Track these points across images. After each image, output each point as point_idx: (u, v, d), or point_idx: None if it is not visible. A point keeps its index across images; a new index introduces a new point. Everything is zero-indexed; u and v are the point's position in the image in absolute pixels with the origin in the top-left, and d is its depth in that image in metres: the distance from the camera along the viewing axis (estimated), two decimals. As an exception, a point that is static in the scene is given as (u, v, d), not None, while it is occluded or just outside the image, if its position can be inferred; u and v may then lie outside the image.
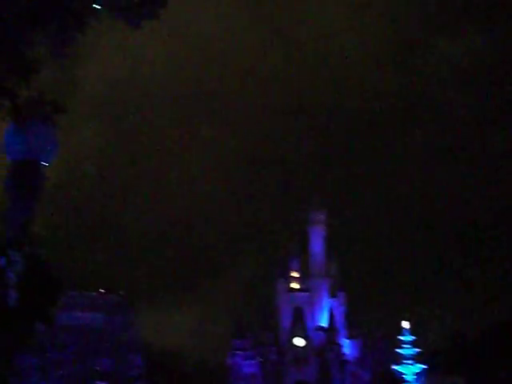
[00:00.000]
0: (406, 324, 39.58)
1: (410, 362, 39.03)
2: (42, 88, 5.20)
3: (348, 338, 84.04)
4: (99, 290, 67.84)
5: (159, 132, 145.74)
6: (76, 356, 59.83)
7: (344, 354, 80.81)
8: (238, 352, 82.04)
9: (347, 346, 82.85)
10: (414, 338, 39.64)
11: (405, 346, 39.50)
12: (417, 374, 39.30)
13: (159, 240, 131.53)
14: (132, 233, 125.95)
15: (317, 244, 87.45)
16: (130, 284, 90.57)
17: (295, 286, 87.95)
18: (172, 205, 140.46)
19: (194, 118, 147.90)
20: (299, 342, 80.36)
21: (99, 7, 4.90)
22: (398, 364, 41.21)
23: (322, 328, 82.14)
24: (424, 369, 39.53)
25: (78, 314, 65.43)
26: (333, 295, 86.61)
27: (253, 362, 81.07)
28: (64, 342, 60.63)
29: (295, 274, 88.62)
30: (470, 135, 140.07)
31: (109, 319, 64.93)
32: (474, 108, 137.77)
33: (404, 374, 39.71)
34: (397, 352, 41.72)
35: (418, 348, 40.64)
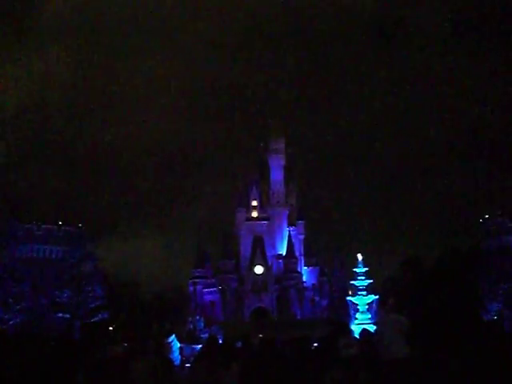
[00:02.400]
0: (359, 256, 41.87)
1: (363, 293, 41.33)
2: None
3: (307, 266, 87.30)
4: (57, 222, 68.20)
5: (128, 57, 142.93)
6: (36, 289, 60.76)
7: (303, 282, 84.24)
8: (198, 280, 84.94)
9: (306, 274, 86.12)
10: (366, 269, 41.89)
11: (358, 277, 41.76)
12: (369, 304, 41.74)
13: (120, 172, 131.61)
14: (94, 163, 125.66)
15: (276, 172, 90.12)
16: (89, 215, 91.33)
17: (255, 214, 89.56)
18: (135, 137, 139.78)
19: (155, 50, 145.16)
20: (259, 269, 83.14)
21: None
22: (352, 295, 43.68)
23: (281, 256, 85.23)
24: (376, 299, 42.05)
25: (37, 246, 66.14)
26: (292, 223, 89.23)
27: (213, 289, 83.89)
28: (23, 275, 61.35)
29: (255, 203, 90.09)
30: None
31: (68, 251, 66.08)
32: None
33: (357, 304, 42.08)
34: (351, 283, 44.12)
35: (371, 278, 42.87)
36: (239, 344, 13.70)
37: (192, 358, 12.49)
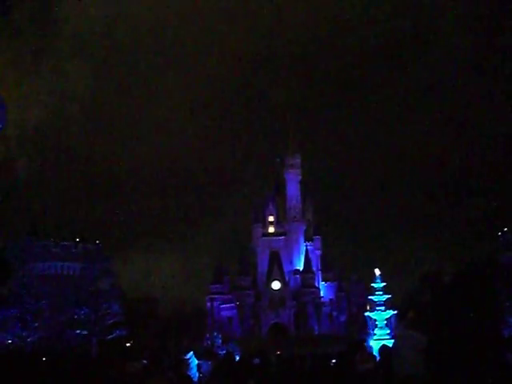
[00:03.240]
0: (377, 271, 41.61)
1: (381, 308, 41.01)
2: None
3: (324, 281, 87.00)
4: (75, 238, 68.54)
5: (146, 73, 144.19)
6: (53, 306, 61.04)
7: (320, 297, 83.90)
8: (215, 296, 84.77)
9: (323, 289, 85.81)
10: (385, 284, 41.59)
11: (376, 292, 41.48)
12: (387, 319, 41.42)
13: (138, 188, 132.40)
14: (112, 179, 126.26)
15: (293, 188, 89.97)
16: (107, 231, 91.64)
17: (271, 230, 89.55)
18: (153, 153, 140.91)
19: (177, 60, 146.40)
20: (276, 285, 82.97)
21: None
22: (370, 310, 43.40)
23: (298, 271, 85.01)
24: (394, 314, 41.73)
25: (54, 263, 66.51)
26: (308, 239, 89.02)
27: (230, 305, 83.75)
28: (41, 291, 61.72)
29: (271, 219, 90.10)
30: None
31: (85, 268, 66.46)
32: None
33: (375, 319, 41.79)
34: (369, 299, 43.84)
35: (390, 294, 42.54)
36: (257, 361, 13.67)
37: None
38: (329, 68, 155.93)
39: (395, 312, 43.76)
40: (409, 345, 9.66)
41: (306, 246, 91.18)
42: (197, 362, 15.33)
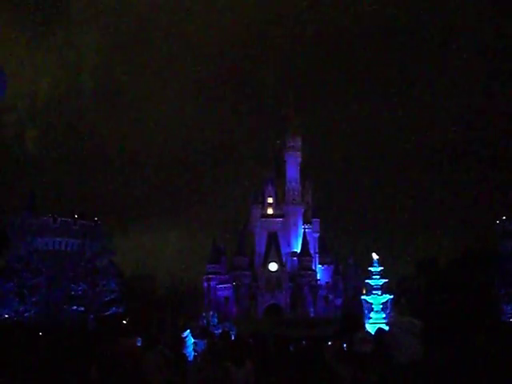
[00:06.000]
0: (374, 255, 41.59)
1: (378, 292, 41.07)
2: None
3: (321, 264, 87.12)
4: (73, 215, 68.41)
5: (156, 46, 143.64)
6: (51, 281, 61.14)
7: (317, 280, 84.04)
8: (212, 276, 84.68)
9: (320, 272, 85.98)
10: (382, 268, 41.56)
11: (374, 276, 41.51)
12: (383, 303, 41.48)
13: (140, 167, 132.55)
14: (115, 156, 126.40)
15: (292, 170, 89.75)
16: (106, 209, 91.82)
17: (270, 211, 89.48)
18: (155, 132, 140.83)
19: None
20: (273, 266, 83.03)
21: None
22: (367, 294, 43.44)
23: (295, 253, 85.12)
24: (390, 298, 41.83)
25: (53, 239, 66.42)
26: (307, 221, 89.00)
27: (227, 286, 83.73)
28: (39, 267, 61.75)
29: (270, 200, 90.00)
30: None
31: (84, 245, 66.39)
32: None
33: (372, 303, 41.84)
34: (366, 282, 43.89)
35: (387, 278, 42.63)
36: (252, 341, 13.63)
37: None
38: (332, 50, 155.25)
39: (391, 297, 43.95)
40: (405, 331, 9.58)
41: (304, 228, 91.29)
42: (193, 340, 15.35)
